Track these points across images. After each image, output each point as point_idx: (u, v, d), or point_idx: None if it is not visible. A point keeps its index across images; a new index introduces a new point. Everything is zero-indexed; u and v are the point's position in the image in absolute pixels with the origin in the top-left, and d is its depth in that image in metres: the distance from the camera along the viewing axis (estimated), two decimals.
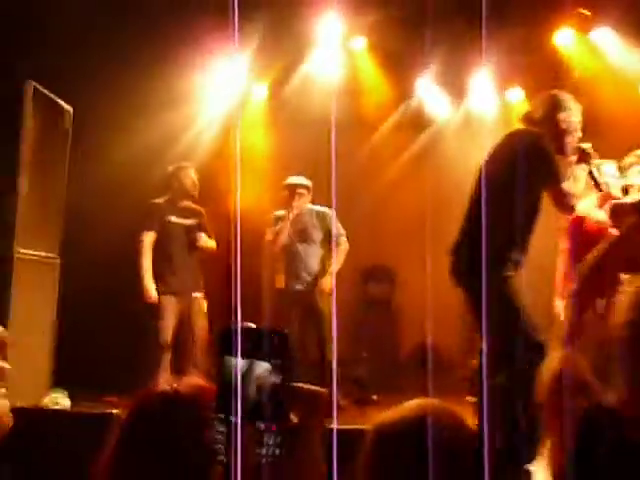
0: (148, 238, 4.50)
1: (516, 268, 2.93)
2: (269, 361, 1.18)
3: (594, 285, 1.38)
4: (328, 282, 4.60)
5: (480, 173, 3.01)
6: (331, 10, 5.03)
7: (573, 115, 3.08)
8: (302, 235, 4.75)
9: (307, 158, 4.97)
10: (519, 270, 2.96)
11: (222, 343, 1.23)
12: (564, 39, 5.48)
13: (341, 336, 4.73)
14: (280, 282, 4.82)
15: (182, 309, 4.51)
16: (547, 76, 5.30)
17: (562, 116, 3.06)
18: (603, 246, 2.90)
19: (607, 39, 5.42)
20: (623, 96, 5.66)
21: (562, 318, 2.92)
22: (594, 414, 1.34)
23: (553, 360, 1.47)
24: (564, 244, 3.68)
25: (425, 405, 1.13)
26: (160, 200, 4.64)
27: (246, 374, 1.18)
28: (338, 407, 4.00)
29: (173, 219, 4.59)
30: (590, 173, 3.12)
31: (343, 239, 4.80)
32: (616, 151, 3.92)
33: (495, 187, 2.83)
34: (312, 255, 4.72)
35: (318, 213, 4.78)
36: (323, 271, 4.73)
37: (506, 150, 3.00)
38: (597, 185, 3.20)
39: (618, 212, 3.28)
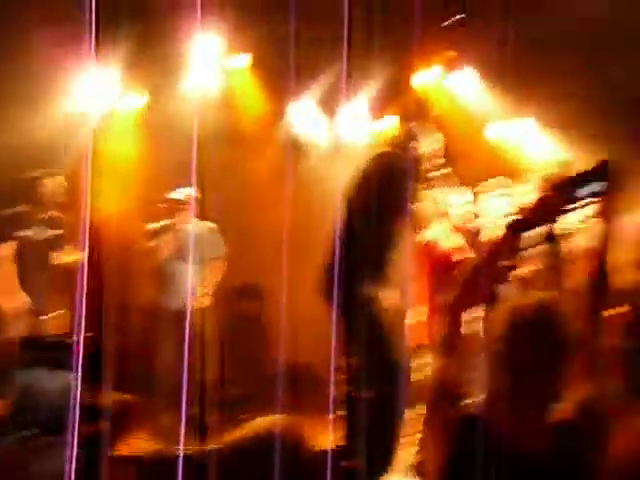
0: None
1: (383, 288, 3.04)
2: (70, 371, 1.13)
3: (467, 298, 1.50)
4: (205, 300, 4.43)
5: (346, 194, 3.13)
6: (212, 24, 4.97)
7: (428, 145, 3.31)
8: (183, 252, 4.53)
9: (182, 171, 4.89)
10: (387, 290, 3.07)
11: (21, 355, 1.18)
12: (430, 75, 5.89)
13: (213, 356, 4.63)
14: (154, 299, 4.59)
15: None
16: (413, 107, 5.63)
17: (417, 143, 3.27)
18: (475, 261, 3.15)
19: (467, 80, 5.91)
20: (476, 132, 6.20)
21: (433, 332, 3.26)
22: (466, 421, 1.42)
23: (430, 370, 1.61)
24: (420, 266, 3.79)
25: (270, 423, 1.16)
26: (18, 209, 4.34)
27: (42, 386, 1.13)
28: (206, 428, 3.90)
29: (28, 233, 4.29)
30: (438, 196, 3.44)
31: (222, 257, 4.69)
32: (466, 180, 4.21)
33: (359, 207, 2.96)
34: (192, 273, 4.49)
35: (202, 229, 4.60)
36: (200, 290, 4.55)
37: (366, 171, 3.12)
38: (445, 208, 3.65)
39: (469, 239, 3.61)
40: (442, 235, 3.90)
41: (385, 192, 2.93)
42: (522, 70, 5.60)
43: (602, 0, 4.27)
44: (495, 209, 3.89)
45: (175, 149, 5.09)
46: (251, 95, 5.76)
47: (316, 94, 5.81)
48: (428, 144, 3.32)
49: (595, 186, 1.63)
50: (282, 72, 5.48)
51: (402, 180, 3.07)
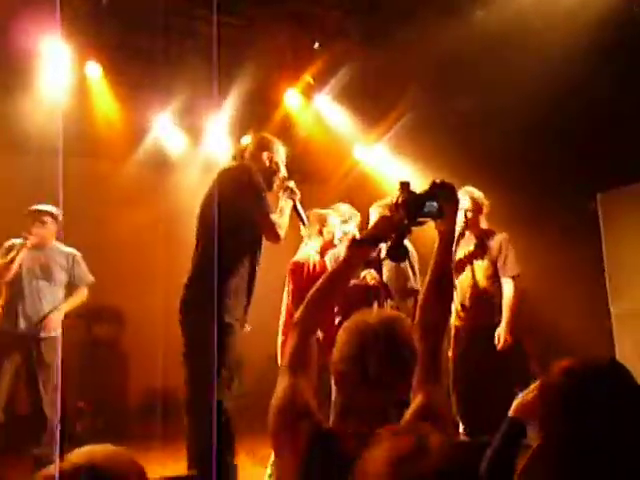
0: None
1: (236, 315, 2.93)
2: None
3: (314, 316, 1.52)
4: (53, 325, 4.03)
5: (200, 211, 3.04)
6: (58, 29, 4.64)
7: (278, 155, 3.24)
8: (39, 271, 4.12)
9: (32, 185, 4.52)
10: (242, 317, 2.97)
11: None
12: (292, 99, 6.00)
13: (62, 386, 4.27)
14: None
15: None
16: (276, 128, 5.70)
17: (268, 155, 3.21)
18: (321, 280, 3.21)
19: (327, 104, 6.09)
20: (336, 155, 6.39)
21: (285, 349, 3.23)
22: (316, 436, 1.45)
23: (280, 389, 1.53)
24: (288, 286, 3.82)
25: (94, 452, 1.12)
26: None
27: None
28: (43, 465, 3.50)
29: None
30: (295, 207, 3.27)
31: (85, 288, 4.31)
32: (325, 203, 4.27)
33: (211, 227, 2.84)
34: (46, 295, 4.11)
35: (62, 251, 4.23)
36: (56, 315, 4.11)
37: (218, 188, 3.00)
38: (301, 220, 3.38)
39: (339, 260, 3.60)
40: (307, 253, 3.87)
41: (230, 207, 2.85)
42: (379, 98, 5.96)
43: (445, 36, 4.57)
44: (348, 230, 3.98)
45: (29, 162, 4.85)
46: (108, 107, 5.49)
47: (178, 108, 5.64)
48: (276, 154, 3.24)
49: (431, 206, 1.75)
50: (141, 84, 5.37)
51: (253, 189, 3.00)
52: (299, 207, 3.29)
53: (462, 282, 4.02)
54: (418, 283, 3.91)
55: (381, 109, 6.07)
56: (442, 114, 5.61)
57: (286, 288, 3.80)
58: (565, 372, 1.23)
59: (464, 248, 4.07)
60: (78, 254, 4.29)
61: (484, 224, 4.10)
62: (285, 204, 3.18)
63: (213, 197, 2.94)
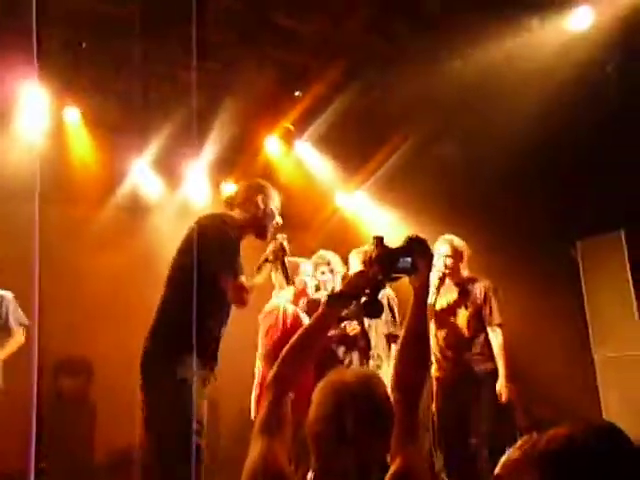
0: None
1: (195, 371, 2.67)
2: None
3: (289, 376, 1.44)
4: None
5: (172, 260, 2.86)
6: (35, 74, 4.55)
7: (272, 200, 3.05)
8: None
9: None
10: (205, 374, 2.76)
11: None
12: (272, 145, 5.99)
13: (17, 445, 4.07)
14: None
15: None
16: (256, 174, 5.66)
17: (262, 198, 3.01)
18: (295, 337, 3.10)
19: (307, 151, 6.08)
20: (317, 202, 6.35)
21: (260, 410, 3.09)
22: None
23: (254, 453, 1.49)
24: (261, 337, 3.68)
25: None
26: None
27: None
28: None
29: None
30: (282, 265, 3.15)
31: (21, 329, 4.14)
32: (306, 250, 4.18)
33: (178, 278, 2.74)
34: None
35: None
36: None
37: (189, 239, 2.82)
38: (286, 278, 3.26)
39: (312, 309, 3.46)
40: (278, 302, 3.75)
41: (198, 257, 2.64)
42: (360, 145, 5.98)
43: (424, 83, 4.63)
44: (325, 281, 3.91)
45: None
46: (86, 152, 5.41)
47: (156, 152, 5.57)
48: (270, 199, 3.04)
49: (405, 262, 1.75)
50: (119, 129, 5.32)
51: (212, 248, 2.72)
52: (286, 264, 3.17)
53: (444, 331, 3.94)
54: (398, 329, 3.86)
55: (361, 156, 6.07)
56: (422, 161, 5.63)
57: (260, 337, 3.69)
58: (565, 440, 1.19)
59: (446, 296, 4.02)
60: (9, 294, 4.12)
61: (465, 272, 4.05)
62: (264, 268, 3.04)
63: (184, 245, 2.82)
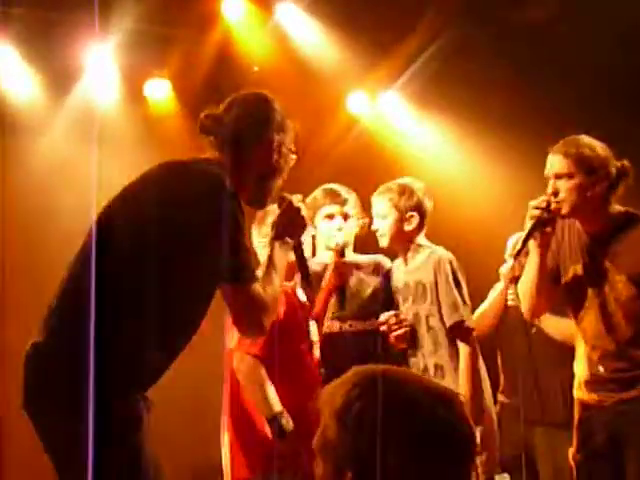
0: None
1: (141, 396, 1.78)
2: None
3: None
4: None
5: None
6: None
7: (287, 130, 1.97)
8: None
9: None
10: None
11: None
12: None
13: None
14: None
15: None
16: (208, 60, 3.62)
17: (275, 129, 1.94)
18: None
19: (295, 18, 3.83)
20: (318, 108, 4.21)
21: None
22: None
23: None
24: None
25: None
26: None
27: None
28: None
29: None
30: (298, 255, 2.14)
31: None
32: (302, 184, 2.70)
33: (124, 255, 1.73)
34: None
35: None
36: None
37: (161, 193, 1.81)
38: (304, 275, 2.28)
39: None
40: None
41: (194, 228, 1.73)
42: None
43: None
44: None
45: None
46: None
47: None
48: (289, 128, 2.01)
49: None
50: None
51: (227, 211, 1.77)
52: (304, 250, 2.18)
53: None
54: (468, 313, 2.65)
55: (389, 35, 3.93)
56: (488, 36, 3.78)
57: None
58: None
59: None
60: None
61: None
62: (278, 248, 1.99)
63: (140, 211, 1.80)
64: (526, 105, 3.70)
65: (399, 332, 2.57)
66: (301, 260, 2.15)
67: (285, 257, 1.97)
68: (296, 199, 2.06)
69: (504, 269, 2.88)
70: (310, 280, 2.31)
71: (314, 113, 4.21)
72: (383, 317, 2.61)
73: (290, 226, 2.00)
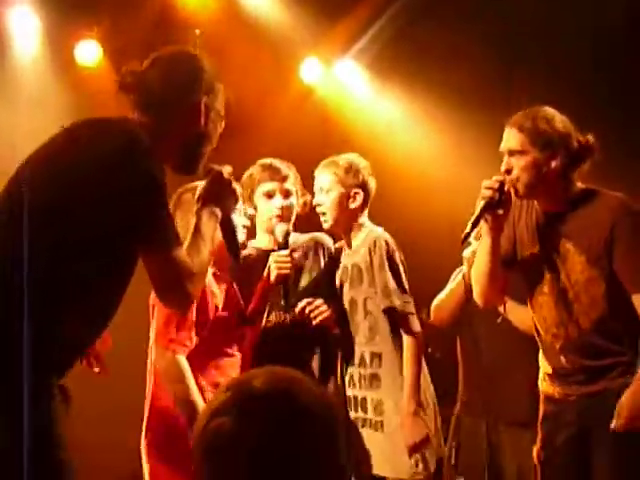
0: None
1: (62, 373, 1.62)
2: None
3: None
4: None
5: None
6: None
7: (217, 93, 1.80)
8: None
9: None
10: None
11: None
12: None
13: None
14: None
15: None
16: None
17: (204, 90, 1.76)
18: None
19: None
20: (268, 76, 3.89)
21: None
22: None
23: None
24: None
25: None
26: None
27: None
28: None
29: None
30: (226, 229, 1.89)
31: None
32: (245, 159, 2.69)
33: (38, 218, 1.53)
34: None
35: None
36: None
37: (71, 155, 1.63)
38: (233, 251, 2.03)
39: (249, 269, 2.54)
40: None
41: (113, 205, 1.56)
42: None
43: None
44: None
45: None
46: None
47: None
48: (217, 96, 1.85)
49: None
50: None
51: (155, 185, 1.61)
52: (236, 226, 1.98)
53: None
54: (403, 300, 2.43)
55: None
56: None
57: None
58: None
59: None
60: None
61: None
62: (205, 218, 1.78)
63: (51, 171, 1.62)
64: (494, 75, 3.48)
65: (319, 319, 2.37)
66: (230, 236, 1.93)
67: (213, 227, 1.79)
68: (226, 171, 1.89)
69: (467, 253, 2.65)
70: (239, 260, 2.10)
71: (264, 81, 3.96)
72: (299, 306, 2.40)
73: (218, 197, 1.82)
